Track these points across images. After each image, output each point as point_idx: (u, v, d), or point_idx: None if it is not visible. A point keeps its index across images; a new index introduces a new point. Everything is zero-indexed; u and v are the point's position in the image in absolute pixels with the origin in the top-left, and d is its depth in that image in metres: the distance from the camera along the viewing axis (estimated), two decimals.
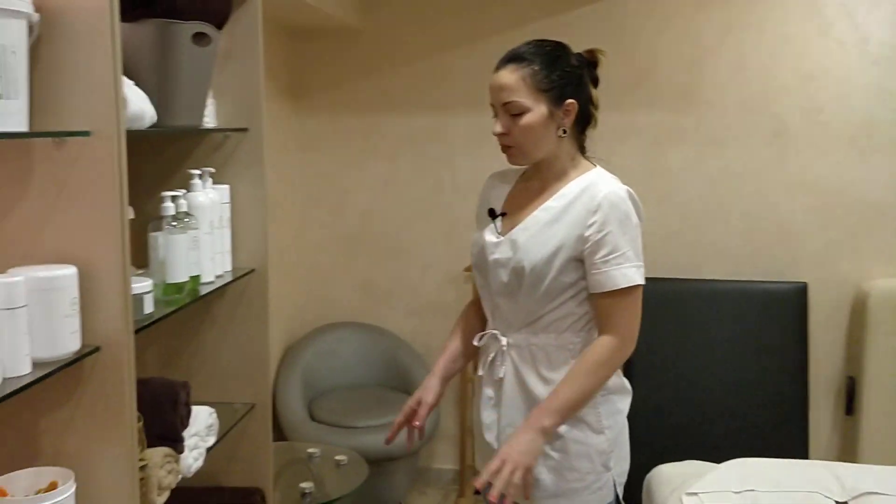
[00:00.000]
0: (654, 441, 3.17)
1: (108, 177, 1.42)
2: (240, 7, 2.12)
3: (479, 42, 3.53)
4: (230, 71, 2.14)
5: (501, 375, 1.83)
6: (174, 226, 1.85)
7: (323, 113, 3.74)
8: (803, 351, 3.27)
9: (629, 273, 1.71)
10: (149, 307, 1.69)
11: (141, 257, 1.88)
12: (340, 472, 2.89)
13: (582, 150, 1.83)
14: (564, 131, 1.76)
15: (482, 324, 1.96)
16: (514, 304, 1.79)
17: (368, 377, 3.68)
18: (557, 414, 1.70)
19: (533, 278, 1.73)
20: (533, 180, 1.85)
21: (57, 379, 1.40)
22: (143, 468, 1.62)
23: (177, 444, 1.79)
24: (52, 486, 1.39)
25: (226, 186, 2.13)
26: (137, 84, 1.70)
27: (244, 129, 2.16)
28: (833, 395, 3.46)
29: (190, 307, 2.03)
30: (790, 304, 3.29)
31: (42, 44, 1.38)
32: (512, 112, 1.72)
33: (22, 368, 1.32)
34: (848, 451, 3.40)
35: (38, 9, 1.35)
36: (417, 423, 1.90)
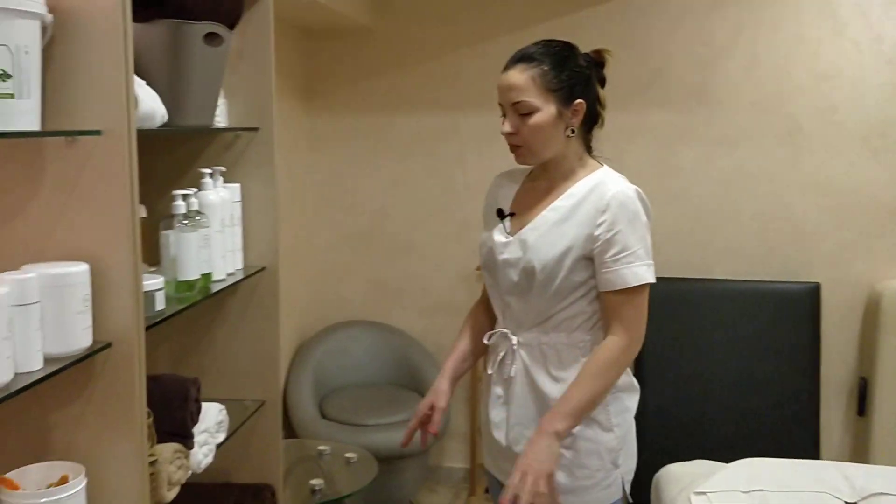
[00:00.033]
0: (665, 441, 3.17)
1: (119, 175, 1.44)
2: (252, 7, 2.14)
3: (491, 41, 3.53)
4: (242, 71, 2.16)
5: (512, 374, 1.83)
6: (185, 224, 1.87)
7: (335, 112, 3.75)
8: (815, 351, 3.25)
9: (639, 271, 1.72)
10: (160, 304, 1.71)
11: (153, 255, 1.89)
12: (350, 470, 2.91)
13: (588, 149, 1.84)
14: (573, 131, 1.76)
15: (490, 322, 1.97)
16: (525, 304, 1.80)
17: (379, 375, 3.70)
18: (570, 417, 1.70)
19: (543, 278, 1.74)
20: (540, 180, 1.86)
21: (68, 375, 1.42)
22: (153, 463, 1.63)
23: (187, 440, 1.80)
24: (64, 480, 1.41)
25: (237, 185, 2.15)
26: (149, 84, 1.71)
27: (255, 129, 2.17)
28: (845, 396, 3.45)
29: (201, 305, 2.04)
30: (803, 305, 3.28)
31: (55, 44, 1.40)
32: (521, 112, 1.73)
33: (34, 364, 1.34)
34: (859, 453, 3.38)
35: (51, 10, 1.37)
36: (433, 430, 1.90)
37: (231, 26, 2.00)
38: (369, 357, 3.71)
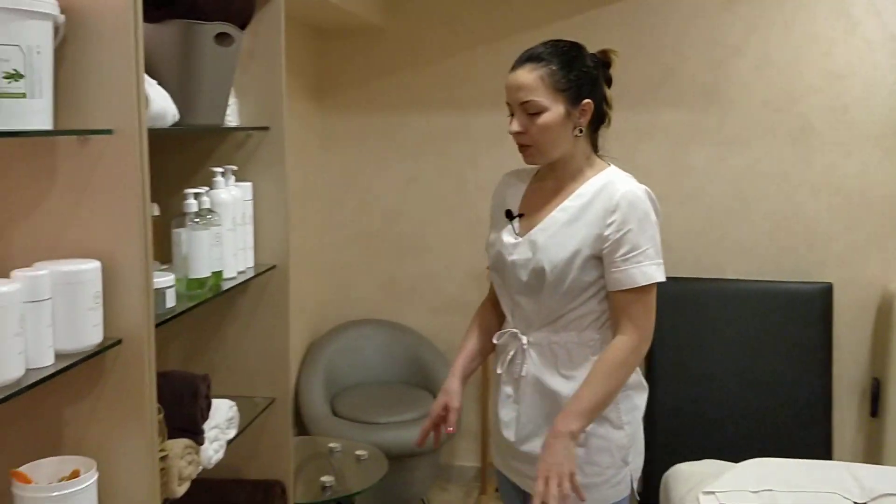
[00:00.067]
0: (675, 440, 3.17)
1: (130, 174, 1.45)
2: (263, 7, 2.15)
3: (503, 40, 3.54)
4: (253, 70, 2.17)
5: (523, 374, 1.84)
6: (197, 222, 1.88)
7: (347, 111, 3.77)
8: (827, 352, 3.24)
9: (649, 271, 1.72)
10: (170, 301, 1.72)
11: (165, 253, 1.91)
12: (360, 467, 2.92)
13: (595, 148, 1.85)
14: (581, 130, 1.77)
15: (498, 320, 1.98)
16: (536, 304, 1.81)
17: (390, 374, 3.71)
18: (584, 417, 1.71)
19: (554, 278, 1.75)
20: (547, 180, 1.86)
21: (79, 370, 1.44)
22: (163, 458, 1.65)
23: (197, 435, 1.82)
24: (75, 475, 1.43)
25: (248, 184, 2.16)
26: (161, 83, 1.73)
27: (266, 128, 2.19)
28: (858, 397, 3.43)
29: (212, 302, 2.06)
30: (815, 305, 3.26)
31: (67, 44, 1.42)
32: (529, 111, 1.74)
33: (45, 360, 1.36)
34: (872, 454, 3.36)
35: (63, 10, 1.38)
36: (451, 429, 1.91)
37: (242, 26, 2.02)
38: (380, 355, 3.73)
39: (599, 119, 1.82)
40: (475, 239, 3.68)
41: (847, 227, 3.38)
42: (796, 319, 3.25)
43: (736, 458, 2.67)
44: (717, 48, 3.40)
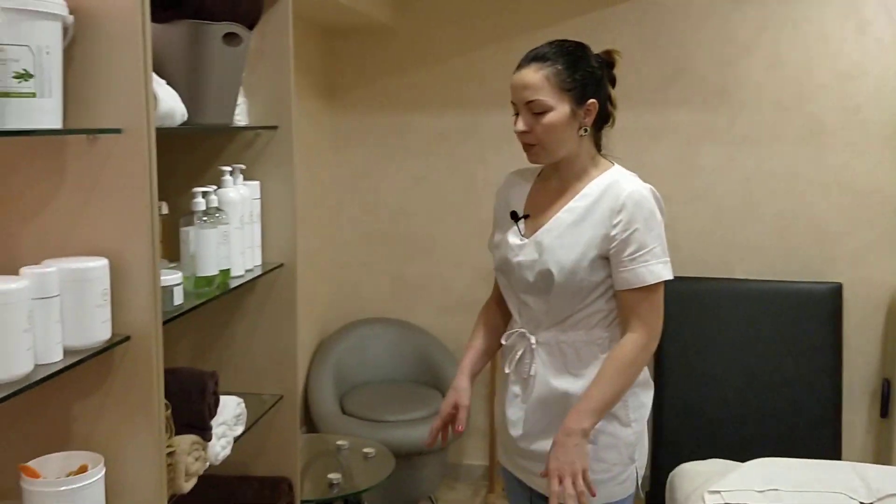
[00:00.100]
0: (684, 440, 3.17)
1: (138, 173, 1.47)
2: (271, 7, 2.17)
3: (512, 40, 3.54)
4: (261, 70, 2.19)
5: (532, 374, 1.85)
6: (205, 221, 1.90)
7: (356, 111, 3.78)
8: (837, 352, 3.23)
9: (656, 269, 1.73)
10: (178, 299, 1.74)
11: (174, 251, 1.93)
12: (368, 465, 2.94)
13: (598, 148, 1.85)
14: (585, 130, 1.78)
15: (504, 319, 1.99)
16: (543, 304, 1.81)
17: (399, 372, 3.73)
18: (595, 414, 1.72)
19: (561, 279, 1.76)
20: (552, 180, 1.87)
21: (88, 366, 1.45)
22: (170, 454, 1.67)
23: (204, 432, 1.83)
24: (83, 470, 1.44)
25: (256, 183, 2.18)
26: (169, 83, 1.74)
27: (274, 128, 2.20)
28: (868, 398, 3.42)
29: (220, 300, 2.08)
30: (825, 305, 3.25)
31: (76, 44, 1.43)
32: (535, 111, 1.74)
33: (54, 356, 1.37)
34: (882, 454, 3.35)
35: (72, 11, 1.40)
36: (461, 428, 1.92)
37: (250, 26, 2.03)
38: (389, 354, 3.74)
39: (604, 119, 1.82)
40: (484, 238, 3.61)
41: (857, 227, 3.37)
42: (806, 320, 3.24)
43: (743, 459, 2.67)
44: (727, 48, 3.39)
